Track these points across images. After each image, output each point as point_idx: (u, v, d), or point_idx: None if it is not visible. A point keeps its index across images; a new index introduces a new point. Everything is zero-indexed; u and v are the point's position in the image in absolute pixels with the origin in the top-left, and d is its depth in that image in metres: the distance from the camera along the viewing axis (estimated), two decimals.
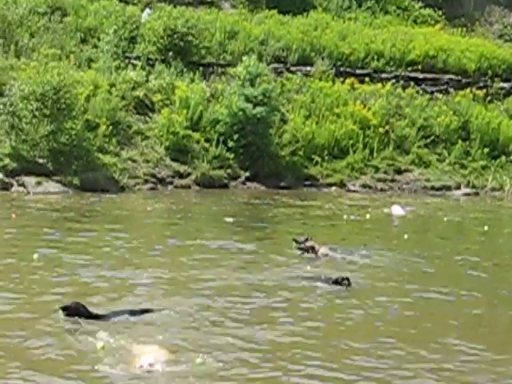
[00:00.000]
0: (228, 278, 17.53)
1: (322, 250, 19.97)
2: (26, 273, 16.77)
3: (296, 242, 20.31)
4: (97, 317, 13.96)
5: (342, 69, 36.47)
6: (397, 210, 27.51)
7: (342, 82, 35.30)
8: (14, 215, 23.22)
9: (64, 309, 13.71)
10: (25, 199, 26.39)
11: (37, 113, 28.03)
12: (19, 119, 28.08)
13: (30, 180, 27.57)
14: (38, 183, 27.55)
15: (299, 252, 20.12)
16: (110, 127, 29.67)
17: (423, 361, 12.67)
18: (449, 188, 33.43)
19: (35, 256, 17.88)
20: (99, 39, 33.80)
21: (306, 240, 20.11)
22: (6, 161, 27.73)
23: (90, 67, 32.32)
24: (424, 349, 13.26)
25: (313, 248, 19.91)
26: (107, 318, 14.05)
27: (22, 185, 27.49)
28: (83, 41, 33.99)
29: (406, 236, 23.53)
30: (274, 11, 39.23)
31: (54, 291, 15.42)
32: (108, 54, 32.80)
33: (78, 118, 28.94)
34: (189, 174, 30.12)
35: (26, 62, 30.65)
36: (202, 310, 15.04)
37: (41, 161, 28.13)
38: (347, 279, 16.68)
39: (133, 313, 14.53)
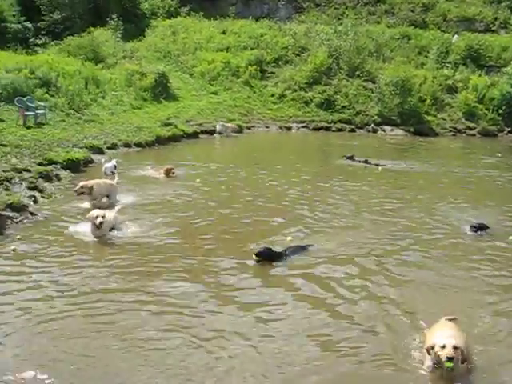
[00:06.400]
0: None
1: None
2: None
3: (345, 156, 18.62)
4: (280, 255, 9.14)
5: None
6: None
7: None
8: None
9: (257, 255, 8.96)
10: (384, 138, 26.35)
11: (392, 92, 28.14)
12: (383, 95, 28.39)
13: (387, 128, 27.88)
14: (391, 130, 27.78)
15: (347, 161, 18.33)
16: (432, 101, 29.09)
17: None
18: None
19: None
20: (428, 52, 32.74)
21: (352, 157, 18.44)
22: (375, 117, 28.17)
23: (422, 67, 31.59)
24: None
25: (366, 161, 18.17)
26: (285, 256, 9.19)
27: (383, 130, 27.74)
28: (419, 53, 32.86)
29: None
30: None
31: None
32: (433, 61, 32.00)
33: (414, 95, 28.80)
34: (474, 128, 28.48)
35: (387, 66, 30.48)
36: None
37: (393, 117, 28.18)
38: None
39: (303, 248, 9.64)
